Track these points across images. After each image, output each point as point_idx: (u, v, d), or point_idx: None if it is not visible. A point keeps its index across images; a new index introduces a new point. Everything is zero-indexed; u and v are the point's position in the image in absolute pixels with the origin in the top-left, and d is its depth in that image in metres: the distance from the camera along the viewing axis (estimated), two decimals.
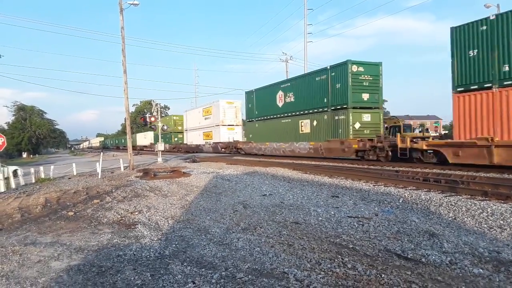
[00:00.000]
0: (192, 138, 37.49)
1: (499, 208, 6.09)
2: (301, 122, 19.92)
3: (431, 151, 13.15)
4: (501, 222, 5.45)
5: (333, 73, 17.44)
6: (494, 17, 11.14)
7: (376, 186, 9.28)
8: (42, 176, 16.42)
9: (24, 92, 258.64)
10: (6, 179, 16.25)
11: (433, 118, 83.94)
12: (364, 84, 16.82)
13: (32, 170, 17.25)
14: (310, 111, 19.20)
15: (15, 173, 20.34)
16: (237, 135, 30.35)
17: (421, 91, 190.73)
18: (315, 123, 18.78)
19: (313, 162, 17.29)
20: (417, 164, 13.57)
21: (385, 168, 13.45)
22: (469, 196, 7.34)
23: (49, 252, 4.89)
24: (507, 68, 10.71)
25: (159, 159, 24.24)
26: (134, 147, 55.88)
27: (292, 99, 20.82)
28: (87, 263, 4.36)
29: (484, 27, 11.30)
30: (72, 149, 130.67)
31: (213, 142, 31.35)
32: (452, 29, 12.28)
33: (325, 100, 18.00)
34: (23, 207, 8.75)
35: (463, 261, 3.91)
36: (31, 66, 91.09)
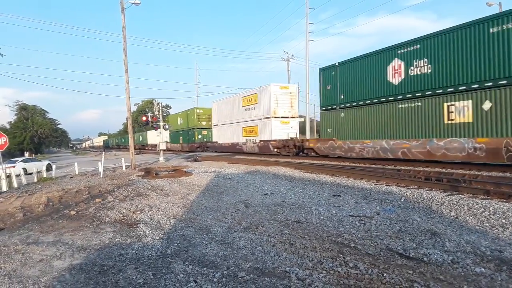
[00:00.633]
0: (226, 135, 30.15)
1: (501, 207, 6.07)
2: (450, 105, 12.88)
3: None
4: (503, 221, 5.43)
5: None
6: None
7: (378, 185, 9.28)
8: (44, 175, 16.48)
9: (26, 91, 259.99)
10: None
11: None
12: None
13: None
14: (475, 86, 12.02)
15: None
16: (292, 130, 23.20)
17: None
18: (487, 105, 11.70)
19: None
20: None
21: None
22: (471, 195, 7.32)
23: (51, 251, 4.91)
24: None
25: (161, 158, 24.29)
26: (144, 146, 55.09)
27: (427, 70, 13.74)
28: (89, 262, 4.37)
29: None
30: (74, 148, 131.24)
31: (260, 140, 24.22)
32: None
33: None
34: (25, 206, 8.79)
35: (465, 260, 3.91)
36: (33, 66, 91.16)
